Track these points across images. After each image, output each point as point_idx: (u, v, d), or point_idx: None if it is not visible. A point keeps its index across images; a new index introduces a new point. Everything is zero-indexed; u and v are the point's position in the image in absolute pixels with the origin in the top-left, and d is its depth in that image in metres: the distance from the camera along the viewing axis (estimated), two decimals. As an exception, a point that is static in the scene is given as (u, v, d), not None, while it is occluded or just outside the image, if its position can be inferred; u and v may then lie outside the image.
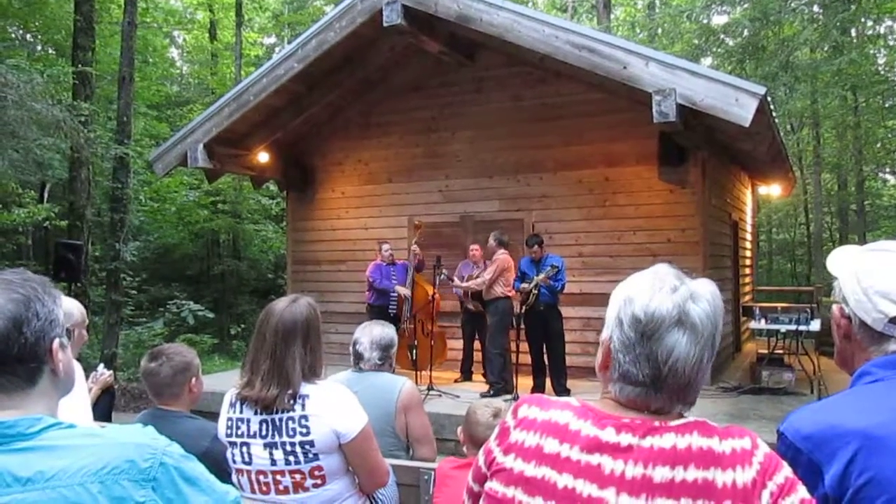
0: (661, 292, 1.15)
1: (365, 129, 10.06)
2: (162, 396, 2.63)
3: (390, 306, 8.37)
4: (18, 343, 1.11)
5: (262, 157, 9.61)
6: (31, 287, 1.15)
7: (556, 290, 7.31)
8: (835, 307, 1.43)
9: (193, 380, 2.66)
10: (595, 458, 1.12)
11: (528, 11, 7.16)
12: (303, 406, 2.23)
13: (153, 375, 2.61)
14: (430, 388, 7.53)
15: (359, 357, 3.17)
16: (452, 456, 2.82)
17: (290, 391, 2.22)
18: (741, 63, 16.57)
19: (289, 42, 14.44)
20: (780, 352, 8.83)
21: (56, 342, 1.17)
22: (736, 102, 6.19)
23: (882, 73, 16.72)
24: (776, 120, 8.22)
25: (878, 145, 18.73)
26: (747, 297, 11.96)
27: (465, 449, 2.71)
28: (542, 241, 7.53)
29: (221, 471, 2.17)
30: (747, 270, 12.29)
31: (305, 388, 2.25)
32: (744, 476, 1.08)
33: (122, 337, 11.75)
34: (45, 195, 14.28)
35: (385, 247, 8.49)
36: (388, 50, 8.80)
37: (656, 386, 1.15)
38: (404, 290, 8.34)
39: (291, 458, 2.22)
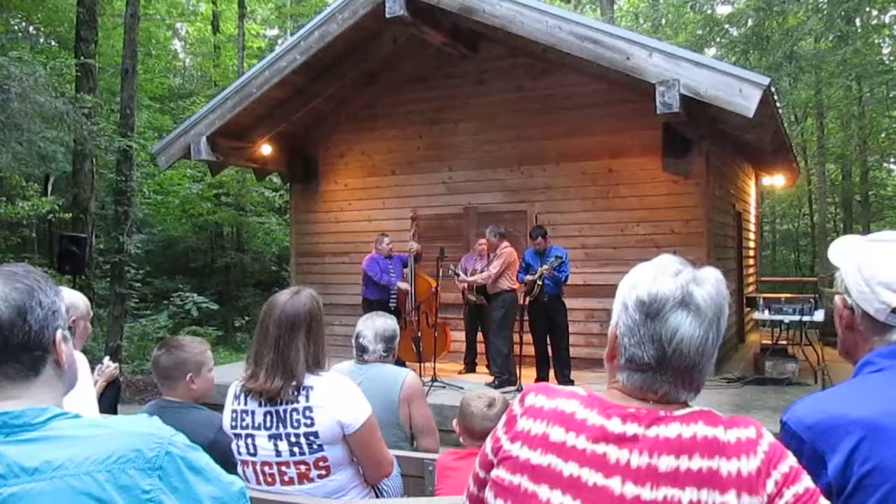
0: (664, 276, 1.18)
1: (368, 121, 10.05)
2: (163, 386, 2.69)
3: (391, 300, 8.25)
4: (23, 331, 1.11)
5: (266, 149, 9.61)
6: (33, 278, 1.17)
7: (560, 281, 7.32)
8: (837, 298, 1.43)
9: (189, 375, 2.64)
10: (601, 448, 1.13)
11: (530, 2, 7.12)
12: (307, 397, 2.24)
13: (154, 364, 2.70)
14: (434, 380, 7.55)
15: (363, 350, 3.18)
16: (456, 447, 2.82)
17: (293, 383, 2.23)
18: (745, 53, 16.52)
19: (291, 34, 14.41)
20: (784, 342, 8.83)
21: (59, 333, 1.17)
22: (740, 93, 6.18)
23: (887, 62, 16.63)
24: (780, 110, 8.20)
25: (883, 135, 18.64)
26: (751, 288, 11.96)
27: (462, 440, 2.72)
28: (545, 232, 7.52)
29: (227, 462, 2.18)
30: (751, 261, 12.27)
31: (309, 380, 2.26)
32: (748, 465, 1.09)
33: (126, 329, 11.78)
34: (49, 188, 14.31)
35: (385, 240, 8.30)
36: (391, 41, 8.76)
37: (662, 368, 1.15)
38: (405, 285, 8.19)
39: (296, 450, 2.23)
